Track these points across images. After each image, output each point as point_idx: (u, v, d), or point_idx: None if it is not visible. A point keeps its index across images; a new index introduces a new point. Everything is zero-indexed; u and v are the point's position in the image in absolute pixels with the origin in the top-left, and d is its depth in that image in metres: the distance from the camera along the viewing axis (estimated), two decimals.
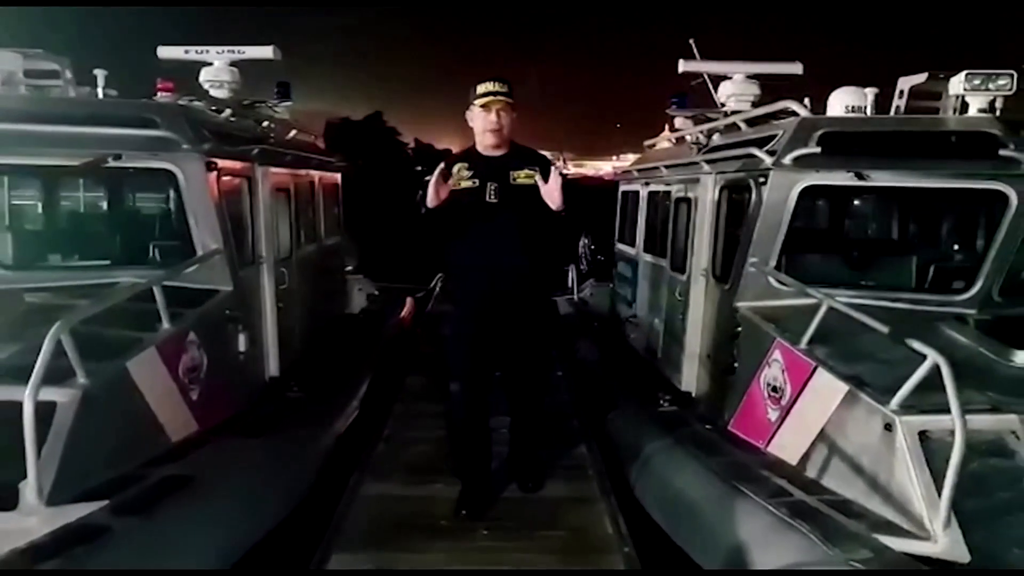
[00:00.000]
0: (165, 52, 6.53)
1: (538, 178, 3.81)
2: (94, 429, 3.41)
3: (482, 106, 3.86)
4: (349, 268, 9.24)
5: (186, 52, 6.54)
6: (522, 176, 3.89)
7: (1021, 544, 2.85)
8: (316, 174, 7.57)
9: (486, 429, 4.22)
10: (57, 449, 3.22)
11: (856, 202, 5.85)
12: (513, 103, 3.89)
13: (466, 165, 3.92)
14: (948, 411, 2.94)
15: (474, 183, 3.88)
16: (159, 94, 6.02)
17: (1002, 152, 4.17)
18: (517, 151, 4.01)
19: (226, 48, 6.56)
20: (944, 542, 2.90)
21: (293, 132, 7.23)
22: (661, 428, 4.93)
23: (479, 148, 4.00)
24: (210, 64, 6.43)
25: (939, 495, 2.95)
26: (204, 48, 6.58)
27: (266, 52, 6.61)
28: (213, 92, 6.33)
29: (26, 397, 3.05)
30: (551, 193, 3.75)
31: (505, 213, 3.85)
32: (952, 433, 2.92)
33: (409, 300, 10.51)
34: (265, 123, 6.57)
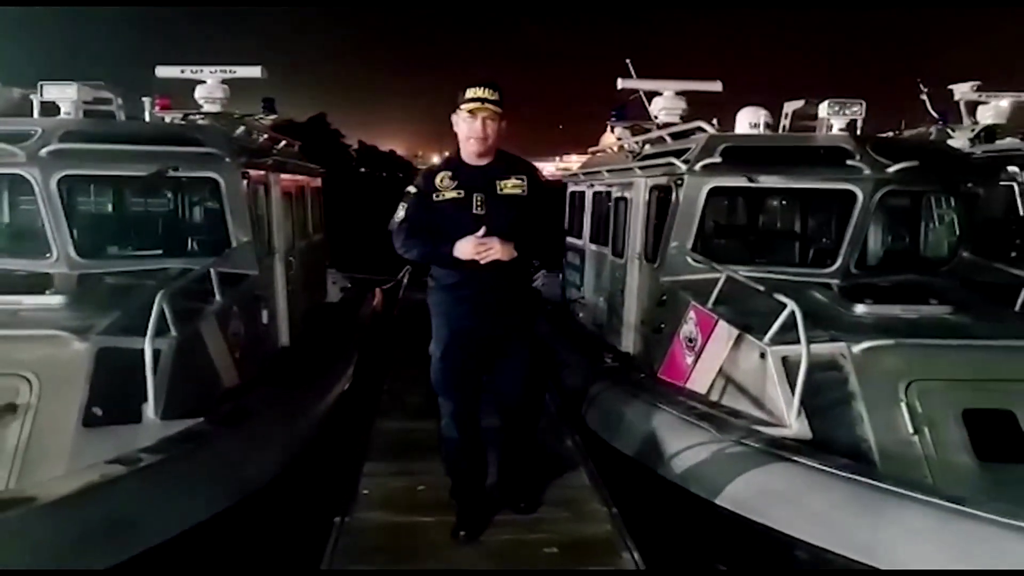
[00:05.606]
0: (163, 71, 7.38)
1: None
2: (184, 370, 4.47)
3: (468, 111, 3.64)
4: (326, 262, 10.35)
5: (182, 71, 7.39)
6: (509, 186, 3.73)
7: (841, 426, 4.20)
8: (305, 179, 8.70)
9: (480, 448, 4.21)
10: (164, 381, 4.26)
11: (753, 199, 7.12)
12: (502, 112, 3.66)
13: (449, 174, 3.75)
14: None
15: (459, 194, 3.69)
16: (158, 108, 7.07)
17: (849, 162, 5.54)
18: (503, 159, 3.81)
19: (218, 67, 7.40)
20: (795, 428, 4.18)
21: (283, 143, 8.30)
22: (605, 378, 6.24)
23: (463, 156, 3.79)
24: (204, 82, 7.27)
25: (793, 397, 4.26)
26: (199, 68, 7.41)
27: (255, 72, 7.49)
28: (207, 107, 7.21)
29: (146, 345, 4.13)
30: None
31: (493, 224, 3.61)
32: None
33: (378, 291, 11.74)
34: (264, 135, 7.53)
